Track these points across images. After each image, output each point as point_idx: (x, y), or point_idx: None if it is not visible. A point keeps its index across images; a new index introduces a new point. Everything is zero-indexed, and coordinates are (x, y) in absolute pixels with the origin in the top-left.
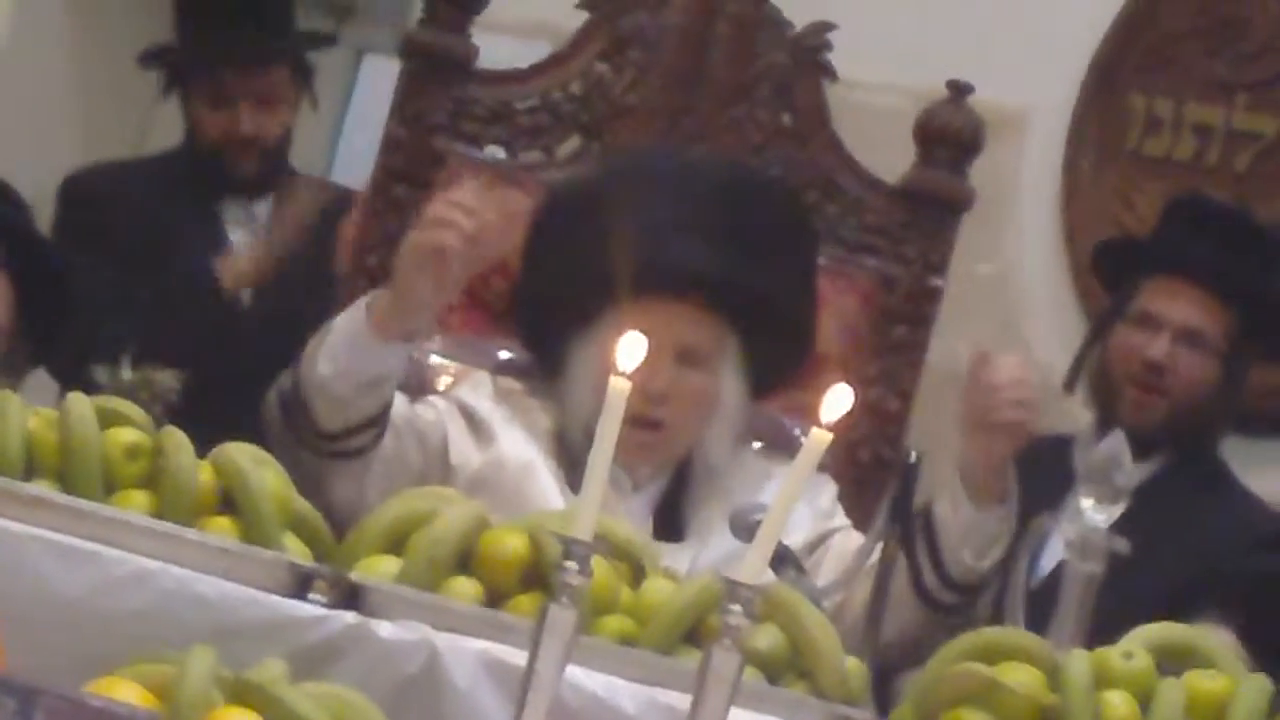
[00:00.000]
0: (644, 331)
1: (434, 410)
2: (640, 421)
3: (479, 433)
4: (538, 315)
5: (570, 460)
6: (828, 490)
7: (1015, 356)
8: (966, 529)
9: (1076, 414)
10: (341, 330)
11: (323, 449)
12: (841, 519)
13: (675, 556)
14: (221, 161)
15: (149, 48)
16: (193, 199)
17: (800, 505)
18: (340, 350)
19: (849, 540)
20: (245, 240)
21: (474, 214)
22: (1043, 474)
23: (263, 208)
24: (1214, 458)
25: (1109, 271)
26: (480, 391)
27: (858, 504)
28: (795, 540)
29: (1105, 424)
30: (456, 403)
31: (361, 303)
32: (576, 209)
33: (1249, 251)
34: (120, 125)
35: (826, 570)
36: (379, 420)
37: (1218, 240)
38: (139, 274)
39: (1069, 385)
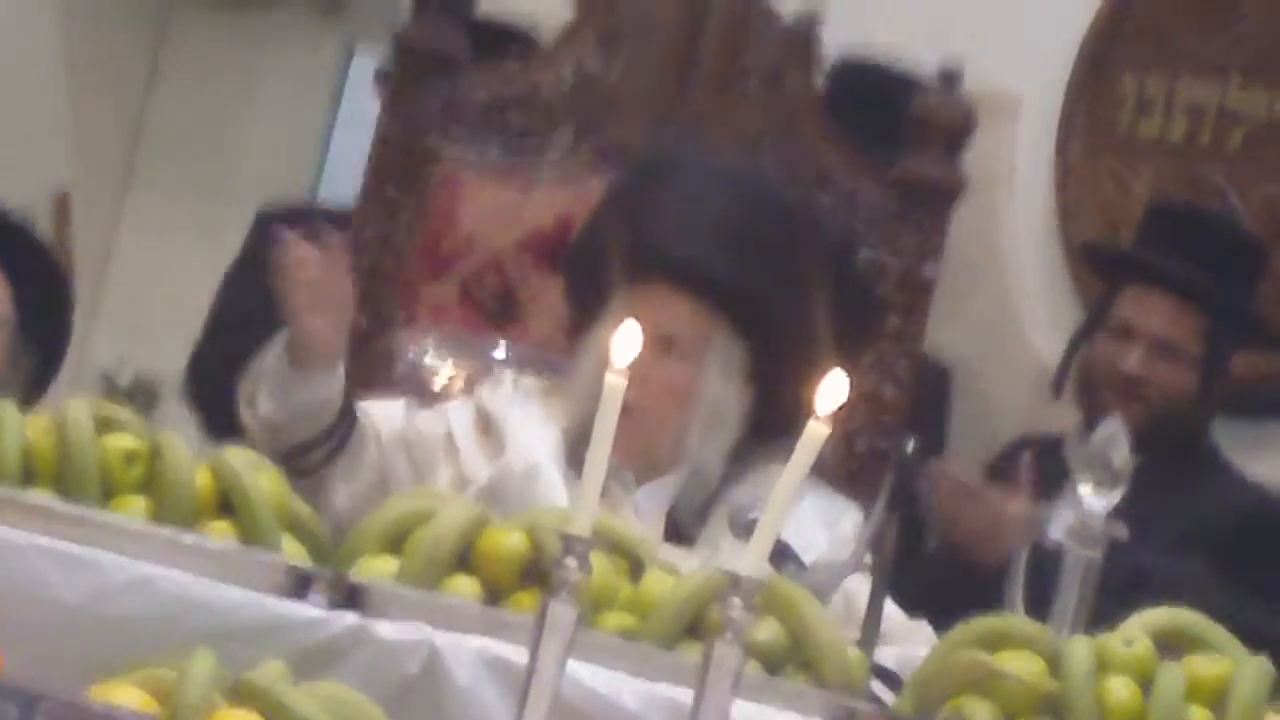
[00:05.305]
0: (628, 317)
1: (443, 421)
2: None
3: (491, 441)
4: (576, 302)
5: (578, 458)
6: (850, 517)
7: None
8: None
9: None
10: (270, 368)
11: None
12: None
13: (685, 563)
14: None
15: None
16: None
17: (817, 525)
18: (275, 387)
19: (862, 588)
20: None
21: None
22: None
23: None
24: (1203, 444)
25: (1095, 272)
26: (500, 391)
27: (855, 494)
28: (807, 559)
29: (1090, 425)
30: (476, 406)
31: (280, 342)
32: (609, 200)
33: (1221, 259)
34: (114, 123)
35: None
36: (324, 441)
37: (1191, 249)
38: None
39: (1056, 387)
